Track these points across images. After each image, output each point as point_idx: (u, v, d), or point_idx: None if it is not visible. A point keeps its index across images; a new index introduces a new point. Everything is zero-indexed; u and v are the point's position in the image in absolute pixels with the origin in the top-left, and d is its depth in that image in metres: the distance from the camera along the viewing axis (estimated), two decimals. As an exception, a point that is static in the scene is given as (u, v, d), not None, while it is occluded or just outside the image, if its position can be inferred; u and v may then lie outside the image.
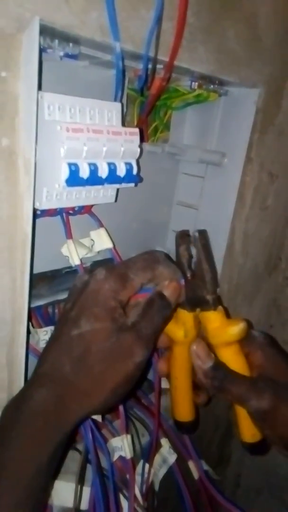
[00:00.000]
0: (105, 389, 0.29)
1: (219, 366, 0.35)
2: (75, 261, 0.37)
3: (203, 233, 0.35)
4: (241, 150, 0.50)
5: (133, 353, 0.29)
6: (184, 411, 0.41)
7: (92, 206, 0.39)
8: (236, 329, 0.35)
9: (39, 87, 0.28)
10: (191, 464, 0.54)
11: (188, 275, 0.35)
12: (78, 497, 0.40)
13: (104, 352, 0.29)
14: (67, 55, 0.32)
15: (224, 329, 0.35)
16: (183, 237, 0.35)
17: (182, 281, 0.33)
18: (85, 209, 0.38)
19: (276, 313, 0.74)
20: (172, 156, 0.52)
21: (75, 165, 0.30)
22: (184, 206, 0.56)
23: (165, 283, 0.32)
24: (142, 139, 0.40)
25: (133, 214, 0.51)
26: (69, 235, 0.37)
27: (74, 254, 0.37)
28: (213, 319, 0.35)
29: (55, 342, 0.30)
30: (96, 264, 0.44)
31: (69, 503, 0.40)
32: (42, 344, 0.39)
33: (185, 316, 0.37)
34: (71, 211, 0.38)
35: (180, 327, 0.37)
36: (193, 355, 0.35)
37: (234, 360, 0.35)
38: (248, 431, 0.37)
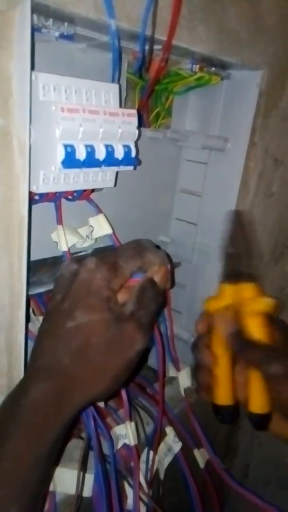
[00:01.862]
0: (107, 377, 0.29)
1: (242, 333, 0.36)
2: (62, 247, 0.37)
3: (237, 211, 0.38)
4: (245, 135, 0.49)
5: (135, 342, 0.29)
6: (224, 393, 0.40)
7: (91, 192, 0.39)
8: (269, 300, 0.36)
9: (32, 67, 0.28)
10: (197, 453, 0.54)
11: (230, 250, 0.37)
12: (80, 484, 0.40)
13: (105, 343, 0.28)
14: (63, 36, 0.31)
15: (258, 299, 0.37)
16: (234, 215, 0.38)
17: (169, 266, 0.33)
18: (84, 195, 0.38)
19: (283, 302, 0.73)
20: (174, 142, 0.52)
21: (71, 146, 0.30)
22: (187, 193, 0.55)
23: (155, 269, 0.32)
24: (141, 123, 0.40)
25: (136, 202, 0.50)
26: (59, 221, 0.36)
27: (62, 240, 0.36)
28: (250, 290, 0.37)
29: (49, 336, 0.29)
30: (97, 251, 0.44)
31: (72, 490, 0.40)
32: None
33: (227, 290, 0.38)
34: (70, 197, 0.37)
35: (221, 301, 0.39)
36: (219, 319, 0.36)
37: (259, 331, 0.37)
38: (258, 401, 0.38)
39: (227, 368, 0.40)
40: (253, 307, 0.37)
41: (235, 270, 0.37)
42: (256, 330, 0.37)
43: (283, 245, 0.67)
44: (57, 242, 0.38)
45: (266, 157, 0.53)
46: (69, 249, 0.38)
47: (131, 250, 0.31)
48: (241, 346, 0.36)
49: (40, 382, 0.29)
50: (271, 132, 0.52)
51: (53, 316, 0.29)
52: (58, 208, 0.37)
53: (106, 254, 0.30)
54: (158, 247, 0.34)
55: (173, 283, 0.35)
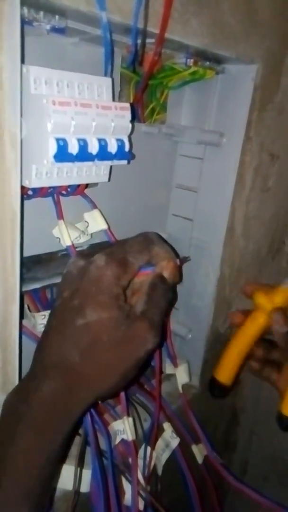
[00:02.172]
0: (115, 375, 0.29)
1: None
2: (66, 242, 0.36)
3: None
4: (240, 129, 0.49)
5: (146, 341, 0.29)
6: (228, 373, 0.45)
7: (85, 187, 0.39)
8: None
9: (23, 60, 0.28)
10: (195, 449, 0.54)
11: None
12: (77, 480, 0.40)
13: (115, 341, 0.28)
14: (54, 29, 0.31)
15: None
16: None
17: (177, 261, 0.33)
18: (78, 190, 0.38)
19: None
20: (169, 138, 0.51)
21: (63, 140, 0.30)
22: (183, 189, 0.55)
23: (164, 264, 0.32)
24: (135, 118, 0.40)
25: (132, 198, 0.50)
26: (60, 215, 0.36)
27: (65, 235, 0.36)
28: None
29: (58, 333, 0.29)
30: (93, 247, 0.44)
31: (69, 485, 0.40)
32: (40, 328, 0.39)
33: (282, 291, 0.43)
34: (64, 192, 0.37)
35: (270, 297, 0.44)
36: (274, 320, 0.42)
37: None
38: None
39: (241, 354, 0.45)
40: None
41: None
42: None
43: (280, 240, 0.67)
44: (59, 238, 0.38)
45: (262, 151, 0.53)
46: (73, 243, 0.38)
47: (138, 245, 0.31)
48: None
49: (49, 379, 0.29)
50: (267, 126, 0.52)
51: (62, 313, 0.29)
52: (57, 203, 0.37)
53: (115, 250, 0.30)
54: (163, 239, 0.34)
55: (181, 277, 0.36)
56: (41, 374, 0.29)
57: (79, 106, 0.30)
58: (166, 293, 0.31)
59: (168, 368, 0.54)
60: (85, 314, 0.28)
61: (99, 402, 0.44)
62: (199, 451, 0.54)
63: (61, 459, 0.33)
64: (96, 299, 0.28)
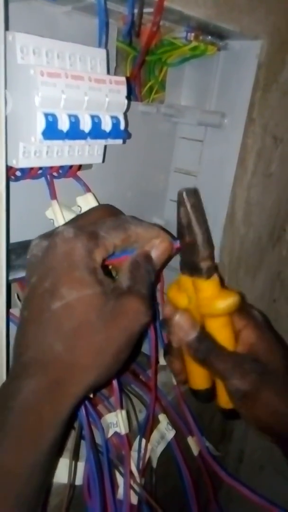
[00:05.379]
0: (107, 356, 0.26)
1: (203, 338, 0.33)
2: (60, 223, 0.34)
3: (192, 193, 0.31)
4: (242, 110, 0.46)
5: (140, 313, 0.26)
6: (198, 379, 0.39)
7: (78, 169, 0.36)
8: (224, 303, 0.33)
9: (7, 27, 0.25)
10: (191, 441, 0.53)
11: (187, 239, 0.31)
12: (72, 473, 0.39)
13: (104, 318, 0.25)
14: (44, -6, 0.28)
15: (212, 301, 0.33)
16: (188, 196, 0.31)
17: (177, 243, 0.30)
18: (71, 172, 0.36)
19: (280, 287, 0.71)
20: (168, 118, 0.49)
21: (53, 115, 0.27)
22: (182, 173, 0.53)
23: (155, 242, 0.28)
24: (131, 94, 0.37)
25: (128, 182, 0.48)
26: (53, 195, 0.34)
27: (59, 216, 0.34)
28: (205, 288, 0.33)
29: (33, 323, 0.26)
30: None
31: (63, 479, 0.39)
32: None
33: (186, 282, 0.34)
34: (55, 173, 0.35)
35: (183, 293, 0.35)
36: (175, 327, 0.33)
37: (220, 332, 0.34)
38: (225, 397, 0.36)
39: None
40: (209, 310, 0.33)
41: (192, 262, 0.32)
42: (216, 334, 0.33)
43: (281, 228, 0.65)
44: (53, 219, 0.36)
45: (265, 134, 0.51)
46: None
47: (111, 221, 0.27)
48: (202, 354, 0.33)
49: (30, 378, 0.25)
50: (271, 107, 0.50)
51: (33, 300, 0.26)
52: (50, 183, 0.34)
53: (83, 223, 0.27)
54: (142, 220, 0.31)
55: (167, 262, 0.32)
56: (20, 373, 0.25)
57: (70, 78, 0.27)
58: (150, 273, 0.28)
59: (163, 359, 0.53)
60: (62, 295, 0.24)
61: (91, 394, 0.42)
62: (195, 443, 0.53)
63: (52, 466, 0.29)
64: (70, 276, 0.25)
